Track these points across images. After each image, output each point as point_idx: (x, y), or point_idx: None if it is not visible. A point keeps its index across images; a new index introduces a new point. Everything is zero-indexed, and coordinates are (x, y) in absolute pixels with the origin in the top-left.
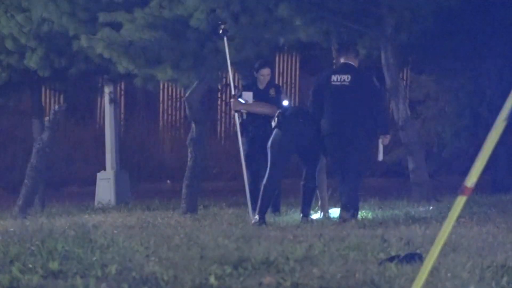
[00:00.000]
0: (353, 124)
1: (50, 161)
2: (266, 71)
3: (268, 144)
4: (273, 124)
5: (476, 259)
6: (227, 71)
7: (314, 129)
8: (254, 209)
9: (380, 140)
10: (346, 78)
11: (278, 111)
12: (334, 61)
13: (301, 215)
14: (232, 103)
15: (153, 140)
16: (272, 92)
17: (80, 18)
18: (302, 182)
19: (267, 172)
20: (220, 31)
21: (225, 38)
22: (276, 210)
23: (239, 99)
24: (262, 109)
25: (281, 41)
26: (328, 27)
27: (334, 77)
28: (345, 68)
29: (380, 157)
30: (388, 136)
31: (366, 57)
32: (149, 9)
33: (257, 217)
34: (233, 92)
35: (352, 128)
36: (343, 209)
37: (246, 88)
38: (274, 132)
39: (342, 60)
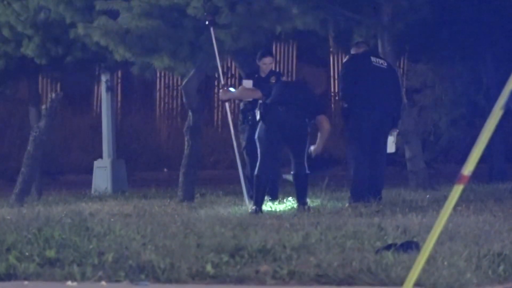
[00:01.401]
0: (387, 107)
1: (46, 149)
2: (268, 60)
3: (255, 136)
4: (257, 117)
5: (472, 247)
6: (216, 62)
7: (297, 115)
8: (251, 197)
9: (395, 133)
10: (383, 62)
11: (259, 102)
12: (331, 49)
13: (298, 203)
14: (220, 93)
15: (150, 129)
16: (272, 79)
17: (77, 6)
18: (292, 172)
19: (258, 163)
20: (207, 22)
21: (211, 29)
22: (274, 198)
23: (229, 89)
24: (247, 95)
25: (278, 29)
26: (325, 16)
27: (373, 59)
28: (378, 54)
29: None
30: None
31: None
32: None
33: (254, 207)
34: (222, 82)
35: (386, 111)
36: (372, 190)
37: (248, 76)
38: (259, 124)
39: (361, 50)
